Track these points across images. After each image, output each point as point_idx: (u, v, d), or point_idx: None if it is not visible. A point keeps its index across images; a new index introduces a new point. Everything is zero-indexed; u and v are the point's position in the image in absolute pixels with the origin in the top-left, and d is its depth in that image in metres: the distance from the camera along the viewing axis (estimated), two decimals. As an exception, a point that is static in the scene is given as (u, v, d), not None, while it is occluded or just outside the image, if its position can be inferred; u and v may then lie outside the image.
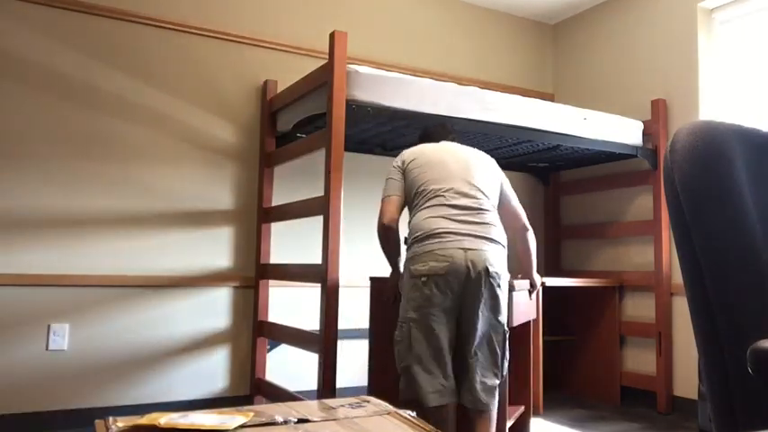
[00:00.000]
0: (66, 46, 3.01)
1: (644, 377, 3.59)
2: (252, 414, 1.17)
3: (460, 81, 4.00)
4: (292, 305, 3.44)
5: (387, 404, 1.30)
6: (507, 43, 4.36)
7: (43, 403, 2.86)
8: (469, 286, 2.17)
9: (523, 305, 2.59)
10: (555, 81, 4.50)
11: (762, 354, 0.78)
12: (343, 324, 3.49)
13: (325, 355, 2.54)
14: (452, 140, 2.55)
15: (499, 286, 2.22)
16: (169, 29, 3.25)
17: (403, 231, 2.34)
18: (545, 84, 4.49)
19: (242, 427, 1.10)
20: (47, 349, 2.88)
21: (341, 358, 3.48)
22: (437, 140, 2.53)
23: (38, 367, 2.86)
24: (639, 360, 3.70)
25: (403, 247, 2.38)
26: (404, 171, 2.38)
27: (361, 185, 3.57)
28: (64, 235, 2.95)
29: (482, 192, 2.31)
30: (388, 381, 2.46)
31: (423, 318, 2.17)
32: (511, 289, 2.40)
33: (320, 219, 2.65)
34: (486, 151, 3.63)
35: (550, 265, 4.31)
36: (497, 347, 2.25)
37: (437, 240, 2.19)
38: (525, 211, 2.57)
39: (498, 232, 2.29)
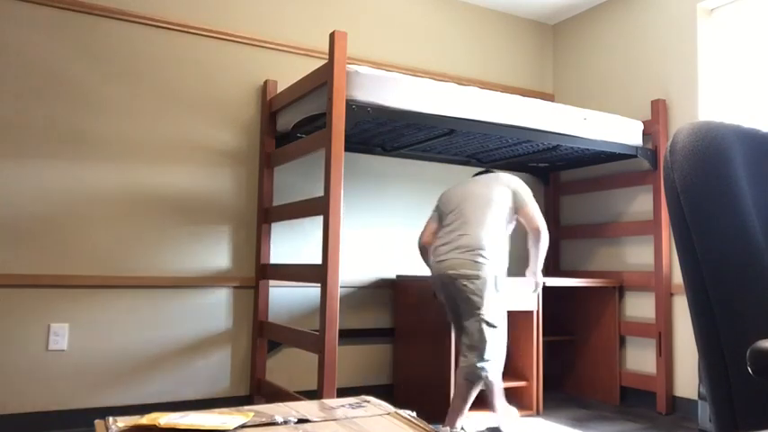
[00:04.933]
0: (65, 46, 3.01)
1: (644, 377, 3.59)
2: (252, 414, 1.17)
3: (460, 81, 4.00)
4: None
5: (387, 404, 1.30)
6: (507, 43, 4.36)
7: (43, 403, 2.86)
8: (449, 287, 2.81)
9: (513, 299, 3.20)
10: (555, 81, 4.50)
11: (762, 354, 0.78)
12: (344, 324, 3.51)
13: (325, 356, 2.54)
14: (486, 174, 3.07)
15: (466, 286, 2.73)
16: (169, 29, 3.25)
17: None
18: (545, 84, 4.48)
19: (242, 427, 1.10)
20: (47, 349, 2.88)
21: (341, 359, 3.49)
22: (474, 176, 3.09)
23: (38, 367, 2.86)
24: (639, 360, 3.70)
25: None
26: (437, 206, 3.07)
27: (361, 185, 3.57)
28: (64, 235, 2.95)
29: (482, 212, 2.84)
30: (411, 375, 3.05)
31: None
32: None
33: (320, 219, 2.65)
34: (486, 151, 3.67)
35: (550, 265, 4.31)
36: (475, 333, 2.73)
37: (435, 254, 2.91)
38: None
39: (486, 243, 2.78)
